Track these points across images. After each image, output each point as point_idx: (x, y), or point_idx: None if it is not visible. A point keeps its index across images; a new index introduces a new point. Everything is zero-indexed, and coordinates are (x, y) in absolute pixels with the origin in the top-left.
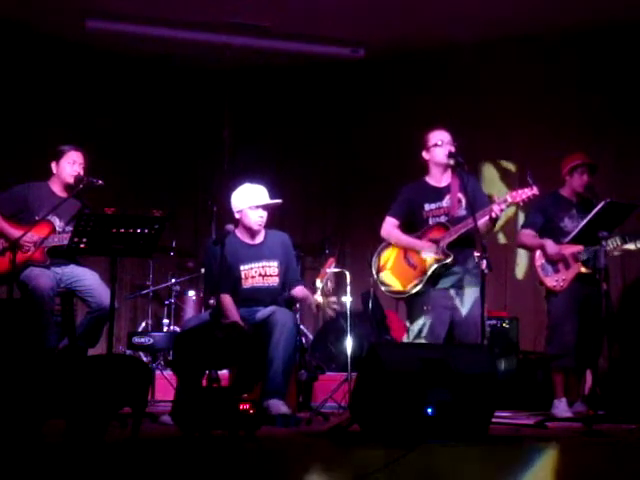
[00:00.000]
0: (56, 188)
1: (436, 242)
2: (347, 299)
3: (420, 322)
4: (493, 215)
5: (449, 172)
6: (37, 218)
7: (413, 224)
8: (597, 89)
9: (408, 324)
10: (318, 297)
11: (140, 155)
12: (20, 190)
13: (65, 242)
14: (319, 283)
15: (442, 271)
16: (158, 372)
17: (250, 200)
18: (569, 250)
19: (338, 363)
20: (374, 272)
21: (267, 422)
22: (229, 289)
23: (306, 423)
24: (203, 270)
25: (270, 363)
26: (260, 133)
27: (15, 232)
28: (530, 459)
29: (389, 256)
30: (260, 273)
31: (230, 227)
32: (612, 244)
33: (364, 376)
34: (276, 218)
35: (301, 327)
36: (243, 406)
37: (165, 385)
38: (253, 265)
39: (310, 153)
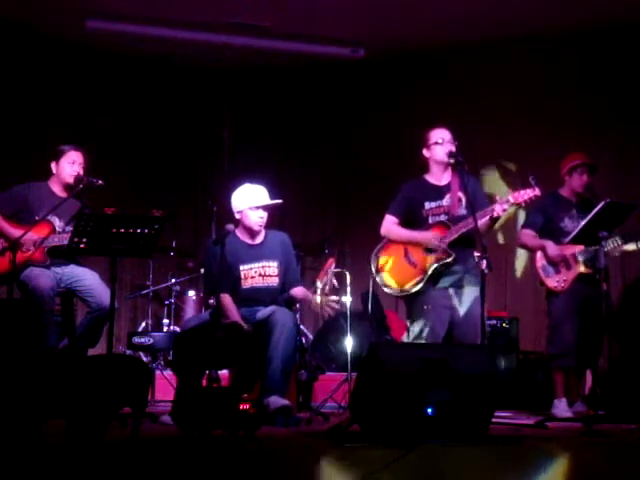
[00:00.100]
0: (56, 188)
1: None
2: (347, 299)
3: (421, 322)
4: (495, 215)
5: (449, 171)
6: (37, 218)
7: (412, 222)
8: (597, 89)
9: (408, 323)
10: (317, 297)
11: (140, 155)
12: (20, 190)
13: (65, 242)
14: (319, 283)
15: (443, 270)
16: (158, 372)
17: (250, 201)
18: (570, 251)
19: (338, 363)
20: (374, 271)
21: (267, 421)
22: (229, 289)
23: (306, 423)
24: (203, 270)
25: (269, 362)
26: (260, 133)
27: (15, 232)
28: (538, 463)
29: (389, 255)
30: (260, 273)
31: (230, 227)
32: (612, 244)
33: (364, 376)
34: (276, 218)
35: (301, 327)
36: (243, 406)
37: (165, 385)
38: (253, 265)
39: (310, 153)
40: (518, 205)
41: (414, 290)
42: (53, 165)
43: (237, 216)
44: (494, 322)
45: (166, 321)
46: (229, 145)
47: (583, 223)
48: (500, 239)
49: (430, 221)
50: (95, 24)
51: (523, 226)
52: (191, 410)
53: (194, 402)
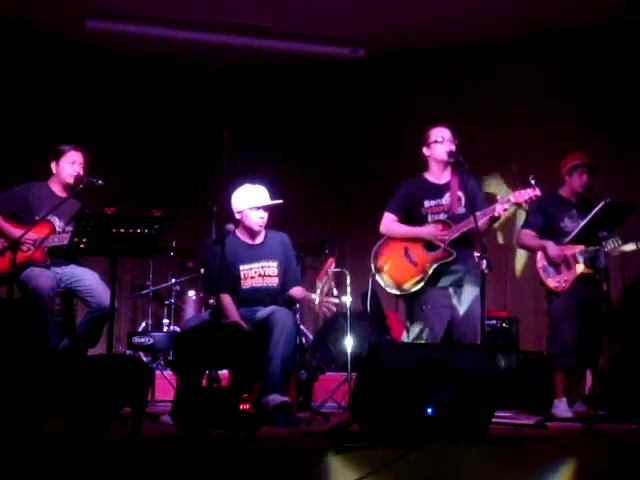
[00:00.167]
0: (56, 188)
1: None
2: (347, 299)
3: (420, 322)
4: (496, 214)
5: (448, 169)
6: (37, 218)
7: (412, 220)
8: (597, 89)
9: (407, 322)
10: (315, 296)
11: (140, 155)
12: (20, 190)
13: (65, 242)
14: (319, 283)
15: (443, 269)
16: (158, 372)
17: (250, 201)
18: (570, 251)
19: (338, 363)
20: (373, 269)
21: (267, 421)
22: (229, 289)
23: (306, 423)
24: (203, 270)
25: (269, 361)
26: (260, 133)
27: (15, 232)
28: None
29: (389, 253)
30: (260, 273)
31: (230, 227)
32: (612, 244)
33: (364, 376)
34: (276, 218)
35: (301, 327)
36: (243, 406)
37: (165, 385)
38: (253, 265)
39: (310, 153)
40: (518, 205)
41: (414, 289)
42: (53, 165)
43: (237, 216)
44: (494, 322)
45: (166, 321)
46: (229, 145)
47: (583, 223)
48: (500, 239)
49: (429, 219)
50: (95, 24)
51: (523, 226)
52: (191, 410)
53: (194, 402)
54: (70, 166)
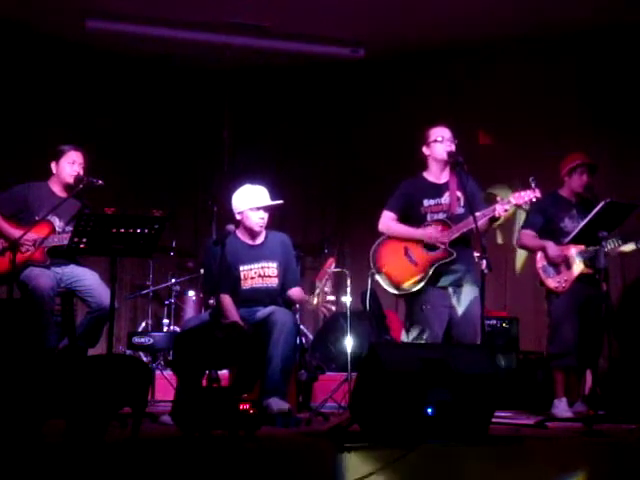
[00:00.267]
0: (56, 188)
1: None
2: (347, 299)
3: (420, 321)
4: (496, 215)
5: (448, 169)
6: (37, 218)
7: (410, 219)
8: (597, 89)
9: (407, 322)
10: (314, 298)
11: (140, 155)
12: (20, 190)
13: (65, 242)
14: (319, 283)
15: (443, 269)
16: (158, 372)
17: (251, 201)
18: (570, 251)
19: (338, 363)
20: (372, 268)
21: (267, 422)
22: (228, 289)
23: (306, 423)
24: (203, 270)
25: (269, 361)
26: (260, 133)
27: (15, 232)
28: None
29: (388, 252)
30: (260, 274)
31: (231, 227)
32: (611, 245)
33: (364, 376)
34: (276, 218)
35: (301, 327)
36: (243, 406)
37: (165, 385)
38: (252, 266)
39: (310, 153)
40: (518, 206)
41: (414, 289)
42: (53, 165)
43: (238, 217)
44: (494, 322)
45: (166, 321)
46: (229, 145)
47: (583, 223)
48: (500, 239)
49: (429, 219)
50: (95, 24)
51: (523, 227)
52: (191, 410)
53: (194, 402)
54: (70, 166)
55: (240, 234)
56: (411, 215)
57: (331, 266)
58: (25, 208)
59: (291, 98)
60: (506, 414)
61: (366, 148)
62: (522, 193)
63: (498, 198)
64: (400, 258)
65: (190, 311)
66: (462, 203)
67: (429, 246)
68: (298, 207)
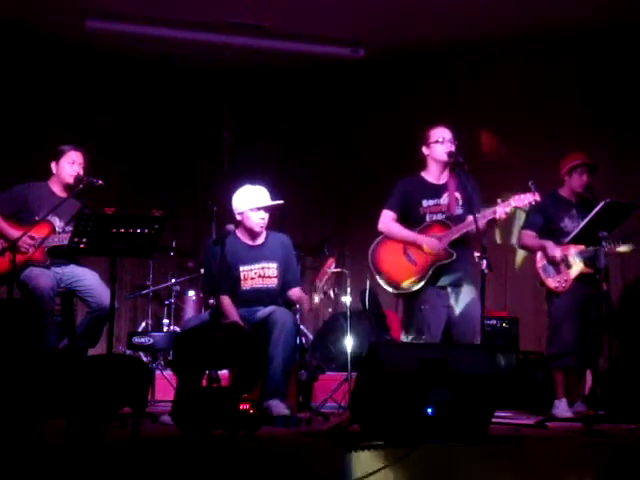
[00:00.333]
0: (56, 188)
1: (438, 240)
2: (347, 299)
3: (418, 321)
4: (497, 217)
5: (447, 170)
6: (37, 218)
7: (409, 219)
8: (597, 89)
9: (405, 322)
10: (315, 296)
11: (140, 155)
12: (20, 190)
13: (65, 242)
14: (319, 283)
15: (442, 269)
16: (158, 372)
17: (251, 202)
18: (569, 251)
19: (338, 363)
20: (372, 267)
21: (267, 422)
22: (228, 290)
23: (306, 423)
24: (203, 270)
25: (269, 362)
26: (260, 133)
27: (15, 232)
28: None
29: (387, 251)
30: (260, 274)
31: (230, 227)
32: (608, 245)
33: (364, 376)
34: (276, 218)
35: (301, 327)
36: (243, 406)
37: (165, 385)
38: (253, 266)
39: (310, 153)
40: (518, 208)
41: (414, 289)
42: (53, 165)
43: (238, 217)
44: (494, 322)
45: (166, 321)
46: (229, 145)
47: (583, 223)
48: (499, 239)
49: (427, 219)
50: (95, 24)
51: (523, 227)
52: (191, 410)
53: (194, 402)
54: (70, 166)
55: (240, 234)
56: (410, 215)
57: (331, 266)
58: (25, 208)
59: (291, 98)
60: (506, 414)
61: (366, 148)
62: (522, 196)
63: (499, 200)
64: (399, 257)
65: (190, 311)
66: (461, 204)
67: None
68: (298, 207)
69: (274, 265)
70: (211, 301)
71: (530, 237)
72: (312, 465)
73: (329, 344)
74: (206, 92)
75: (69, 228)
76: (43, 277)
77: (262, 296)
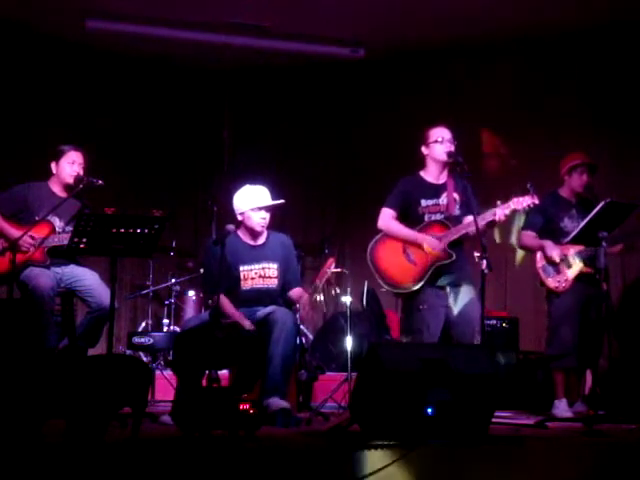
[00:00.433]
0: (56, 188)
1: (438, 240)
2: (347, 299)
3: (417, 321)
4: (497, 219)
5: (446, 170)
6: (37, 218)
7: (408, 218)
8: (597, 89)
9: (404, 321)
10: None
11: (140, 155)
12: (20, 190)
13: (65, 242)
14: (319, 283)
15: (441, 269)
16: (158, 372)
17: (252, 202)
18: (570, 250)
19: (338, 363)
20: (370, 266)
21: (267, 422)
22: (226, 290)
23: (306, 423)
24: (202, 270)
25: (269, 361)
26: (260, 133)
27: (15, 232)
28: None
29: (387, 250)
30: (260, 274)
31: (231, 227)
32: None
33: (364, 376)
34: (276, 218)
35: (301, 327)
36: (243, 406)
37: (165, 385)
38: (253, 266)
39: (310, 153)
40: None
41: (414, 289)
42: (53, 165)
43: (239, 217)
44: (494, 322)
45: (166, 321)
46: (229, 145)
47: (583, 223)
48: (498, 238)
49: (426, 219)
50: (95, 24)
51: (523, 228)
52: (191, 410)
53: (194, 402)
54: (70, 166)
55: (241, 234)
56: (409, 214)
57: (331, 266)
58: (25, 208)
59: (291, 98)
60: (506, 414)
61: (366, 148)
62: (521, 199)
63: (498, 202)
64: (398, 257)
65: (190, 311)
66: (459, 204)
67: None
68: (298, 207)
69: (274, 265)
70: (210, 302)
71: (530, 237)
72: (312, 465)
73: (329, 344)
74: (206, 92)
75: (69, 228)
76: (43, 277)
77: (262, 296)
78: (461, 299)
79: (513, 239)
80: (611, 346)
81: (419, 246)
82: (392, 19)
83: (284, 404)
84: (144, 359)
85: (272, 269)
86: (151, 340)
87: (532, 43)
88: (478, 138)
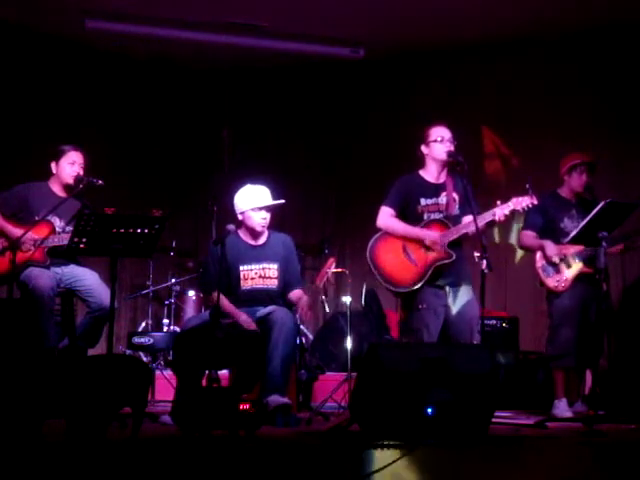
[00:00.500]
0: (56, 188)
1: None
2: (347, 299)
3: (416, 320)
4: (497, 219)
5: (445, 169)
6: (37, 218)
7: (407, 217)
8: (597, 89)
9: (403, 321)
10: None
11: (140, 155)
12: (20, 190)
13: (65, 242)
14: (319, 283)
15: (441, 269)
16: (158, 372)
17: (253, 202)
18: (569, 250)
19: (338, 363)
20: (370, 265)
21: (267, 421)
22: (223, 289)
23: (306, 423)
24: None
25: (269, 361)
26: (260, 133)
27: (15, 232)
28: None
29: (386, 249)
30: (260, 274)
31: (231, 227)
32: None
33: (364, 376)
34: (276, 218)
35: (301, 327)
36: (243, 406)
37: (165, 385)
38: (253, 266)
39: (310, 153)
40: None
41: (414, 288)
42: (53, 165)
43: (240, 217)
44: (494, 322)
45: (166, 321)
46: (229, 145)
47: (583, 223)
48: (497, 238)
49: (425, 218)
50: (95, 24)
51: (523, 228)
52: (191, 410)
53: (194, 402)
54: (70, 166)
55: (242, 234)
56: (408, 213)
57: (331, 266)
58: (25, 208)
59: (291, 98)
60: (506, 414)
61: (366, 148)
62: (520, 199)
63: (498, 202)
64: (398, 256)
65: (190, 311)
66: (458, 204)
67: (428, 246)
68: (298, 207)
69: (275, 266)
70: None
71: (530, 237)
72: (312, 465)
73: (329, 344)
74: (206, 92)
75: (69, 228)
76: (43, 277)
77: (262, 296)
78: (460, 299)
79: (513, 239)
80: (611, 346)
81: (420, 244)
82: (392, 19)
83: (284, 400)
84: (144, 359)
85: (272, 269)
86: (151, 340)
87: (532, 43)
88: (478, 138)
